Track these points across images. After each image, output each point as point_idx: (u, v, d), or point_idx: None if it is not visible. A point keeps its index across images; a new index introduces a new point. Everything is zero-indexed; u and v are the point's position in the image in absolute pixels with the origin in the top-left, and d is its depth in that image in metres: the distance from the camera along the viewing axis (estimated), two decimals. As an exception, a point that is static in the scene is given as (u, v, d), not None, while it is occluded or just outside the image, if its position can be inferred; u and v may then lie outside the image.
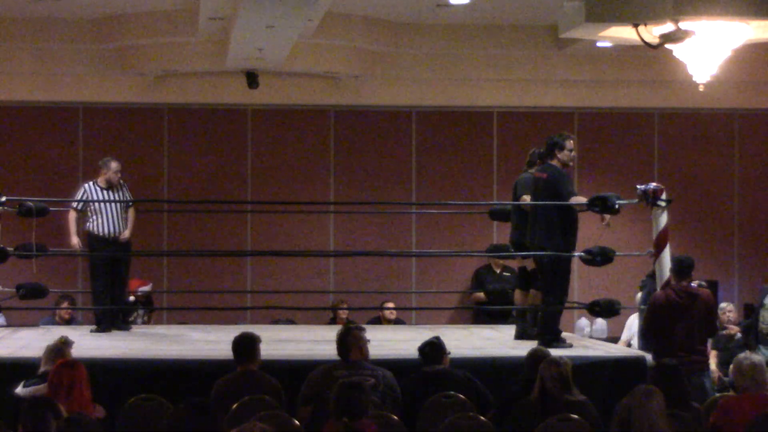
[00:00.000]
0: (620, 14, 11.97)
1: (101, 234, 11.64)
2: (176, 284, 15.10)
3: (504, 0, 14.01)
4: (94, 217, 11.68)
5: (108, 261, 11.71)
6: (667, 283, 10.14)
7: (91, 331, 11.70)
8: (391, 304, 14.43)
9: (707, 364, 9.93)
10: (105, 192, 11.73)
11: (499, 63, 15.61)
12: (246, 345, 8.48)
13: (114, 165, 11.80)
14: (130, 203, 11.85)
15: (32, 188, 14.03)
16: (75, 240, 11.66)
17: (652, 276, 10.87)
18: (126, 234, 11.73)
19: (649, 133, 16.21)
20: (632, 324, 13.25)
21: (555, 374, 7.58)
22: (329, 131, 15.85)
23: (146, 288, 13.95)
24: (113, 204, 11.66)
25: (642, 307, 11.02)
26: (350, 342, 8.36)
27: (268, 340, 9.69)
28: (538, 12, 14.37)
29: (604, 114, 16.15)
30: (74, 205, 11.72)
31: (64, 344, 8.36)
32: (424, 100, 15.75)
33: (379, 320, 14.36)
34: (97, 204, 11.62)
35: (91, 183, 11.83)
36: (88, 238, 11.76)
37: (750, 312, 11.34)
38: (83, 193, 11.75)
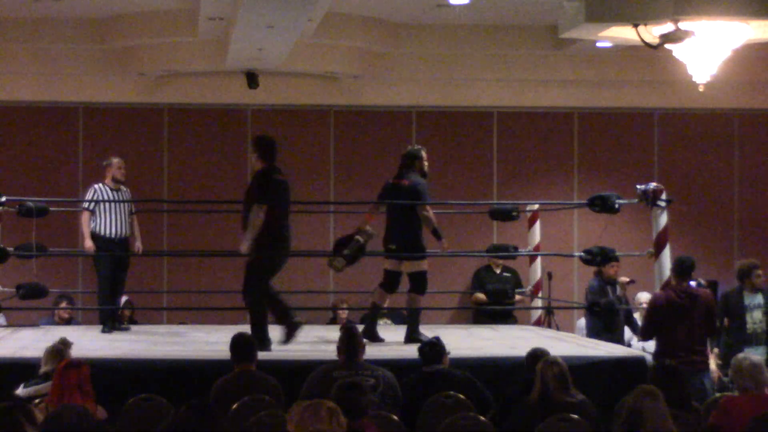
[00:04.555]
0: (620, 14, 11.98)
1: (108, 235, 11.62)
2: (176, 284, 15.09)
3: (504, 0, 14.00)
4: (102, 217, 11.64)
5: (114, 261, 11.70)
6: (668, 284, 10.15)
7: (101, 331, 11.68)
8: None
9: (707, 364, 9.92)
10: (113, 193, 11.72)
11: (499, 63, 15.60)
12: (243, 345, 8.48)
13: (116, 161, 11.81)
14: (133, 212, 11.87)
15: (32, 188, 14.02)
16: (89, 243, 11.59)
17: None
18: (138, 245, 11.79)
19: (649, 133, 16.21)
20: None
21: (554, 374, 7.58)
22: (329, 131, 15.84)
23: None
24: (120, 205, 11.65)
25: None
26: (357, 343, 8.38)
27: (268, 340, 9.72)
28: (538, 12, 14.36)
29: (604, 114, 16.14)
30: (88, 206, 11.66)
31: (64, 345, 8.36)
32: (424, 100, 15.74)
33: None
34: (105, 205, 11.60)
35: (100, 184, 11.80)
36: (94, 238, 11.72)
37: (735, 317, 11.18)
38: (94, 193, 11.70)
